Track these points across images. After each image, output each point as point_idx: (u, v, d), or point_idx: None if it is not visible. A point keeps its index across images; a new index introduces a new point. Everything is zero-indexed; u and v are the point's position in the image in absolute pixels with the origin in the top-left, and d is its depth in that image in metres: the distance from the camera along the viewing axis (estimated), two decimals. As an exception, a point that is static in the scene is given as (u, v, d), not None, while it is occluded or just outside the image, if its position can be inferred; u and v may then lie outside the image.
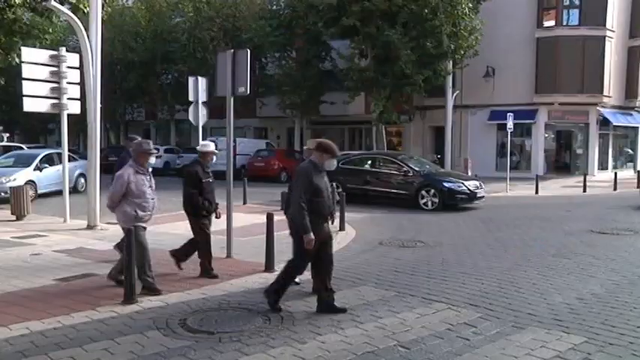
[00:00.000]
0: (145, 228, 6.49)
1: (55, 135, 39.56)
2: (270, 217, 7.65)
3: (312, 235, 5.53)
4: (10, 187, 13.03)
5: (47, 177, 16.49)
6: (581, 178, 21.15)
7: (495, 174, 25.20)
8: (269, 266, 7.58)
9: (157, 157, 31.56)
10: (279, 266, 7.70)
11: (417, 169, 15.99)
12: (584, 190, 19.83)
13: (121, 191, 6.29)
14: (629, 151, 31.87)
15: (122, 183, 6.29)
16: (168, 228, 11.18)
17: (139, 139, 7.49)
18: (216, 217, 7.60)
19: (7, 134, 42.99)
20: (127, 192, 6.29)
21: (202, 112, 14.24)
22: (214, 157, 7.61)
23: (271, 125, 35.39)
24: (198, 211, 7.31)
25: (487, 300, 6.38)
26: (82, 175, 17.75)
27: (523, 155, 28.76)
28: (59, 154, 14.95)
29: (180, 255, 7.54)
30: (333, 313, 5.72)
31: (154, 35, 31.01)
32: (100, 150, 11.96)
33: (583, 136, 28.20)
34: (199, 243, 7.40)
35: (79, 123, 18.69)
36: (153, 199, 6.53)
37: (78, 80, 11.47)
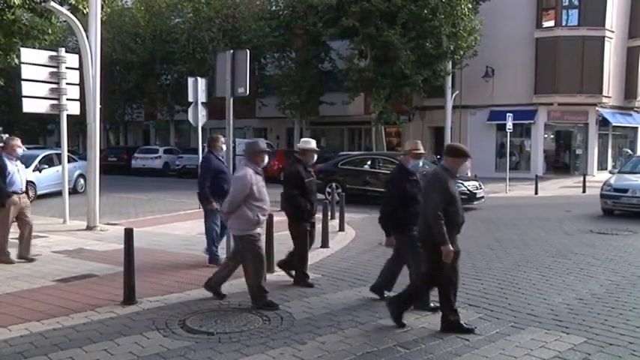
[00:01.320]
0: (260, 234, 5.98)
1: (54, 136, 39.55)
2: (269, 218, 7.64)
3: (451, 247, 5.19)
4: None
5: (46, 178, 16.48)
6: (581, 179, 21.16)
7: (495, 174, 25.21)
8: (269, 267, 7.56)
9: (156, 157, 31.32)
10: (278, 267, 7.72)
11: (416, 169, 15.96)
12: (584, 191, 19.83)
13: (244, 193, 5.73)
14: (629, 151, 31.89)
15: (245, 184, 5.74)
16: (168, 229, 11.18)
17: (255, 140, 7.12)
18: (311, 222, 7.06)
19: (7, 135, 43.07)
20: (249, 194, 5.75)
21: (202, 112, 14.27)
22: (315, 156, 7.13)
23: (271, 126, 35.41)
24: (300, 214, 6.85)
25: (487, 300, 6.38)
26: (81, 175, 17.75)
27: (522, 155, 28.78)
28: (58, 155, 14.95)
29: (287, 266, 7.28)
30: (461, 332, 5.25)
31: (154, 36, 31.03)
32: (99, 151, 11.95)
33: (582, 136, 28.22)
34: (296, 249, 6.99)
35: (78, 124, 18.74)
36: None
37: (77, 81, 11.46)
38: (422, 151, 6.17)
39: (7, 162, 7.91)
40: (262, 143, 6.28)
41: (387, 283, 6.41)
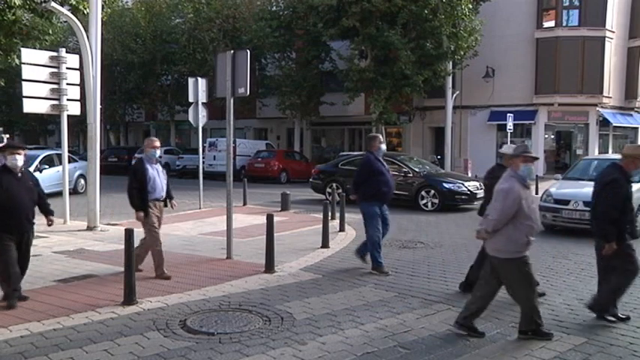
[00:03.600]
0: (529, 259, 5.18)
1: (54, 136, 39.62)
2: (270, 218, 7.65)
3: (614, 245, 5.59)
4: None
5: (47, 178, 16.42)
6: (581, 179, 21.07)
7: (495, 175, 25.15)
8: (269, 267, 7.58)
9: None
10: (278, 267, 7.73)
11: (416, 169, 15.99)
12: (584, 191, 19.76)
13: (513, 209, 4.97)
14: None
15: (514, 199, 4.96)
16: (168, 229, 11.16)
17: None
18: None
19: (7, 135, 43.05)
20: (517, 211, 5.00)
21: (202, 113, 14.29)
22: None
23: (271, 126, 35.41)
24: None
25: (487, 301, 6.37)
26: (82, 176, 17.75)
27: (523, 156, 28.72)
28: (59, 155, 14.96)
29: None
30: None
31: (154, 36, 31.03)
32: (99, 151, 11.95)
33: (583, 136, 28.20)
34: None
35: (78, 124, 18.79)
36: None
37: (78, 81, 11.47)
38: None
39: (148, 166, 7.24)
40: (528, 146, 5.56)
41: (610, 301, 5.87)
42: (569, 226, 11.01)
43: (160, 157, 8.12)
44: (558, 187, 11.81)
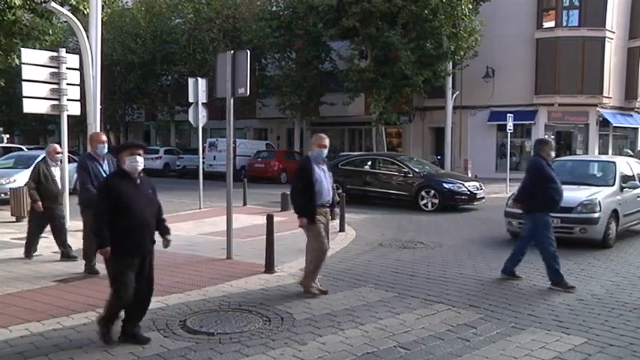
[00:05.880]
0: None
1: (55, 136, 39.56)
2: (270, 219, 7.65)
3: None
4: (10, 189, 13.01)
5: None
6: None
7: (495, 175, 25.21)
8: (269, 267, 7.58)
9: (156, 157, 31.51)
10: (278, 267, 7.73)
11: (416, 170, 15.99)
12: (584, 191, 19.75)
13: None
14: (629, 151, 31.87)
15: None
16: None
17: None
18: None
19: (7, 135, 43.06)
20: None
21: (202, 113, 14.29)
22: None
23: (271, 126, 35.43)
24: None
25: (487, 301, 6.38)
26: (82, 176, 17.72)
27: (523, 156, 28.75)
28: (59, 156, 14.93)
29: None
30: None
31: (154, 36, 31.05)
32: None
33: (583, 136, 28.22)
34: None
35: (78, 124, 18.78)
36: None
37: (78, 81, 11.46)
38: None
39: (315, 166, 6.42)
40: None
41: None
42: None
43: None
44: None
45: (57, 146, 8.56)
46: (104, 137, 7.45)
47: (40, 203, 7.99)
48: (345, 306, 6.10)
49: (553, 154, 7.50)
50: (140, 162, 4.88)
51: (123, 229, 4.67)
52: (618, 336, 5.25)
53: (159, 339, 5.02)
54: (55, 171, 8.27)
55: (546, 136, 7.04)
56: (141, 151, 4.91)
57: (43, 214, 8.07)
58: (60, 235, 8.26)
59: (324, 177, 6.46)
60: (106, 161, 7.30)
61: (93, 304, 5.96)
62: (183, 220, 12.36)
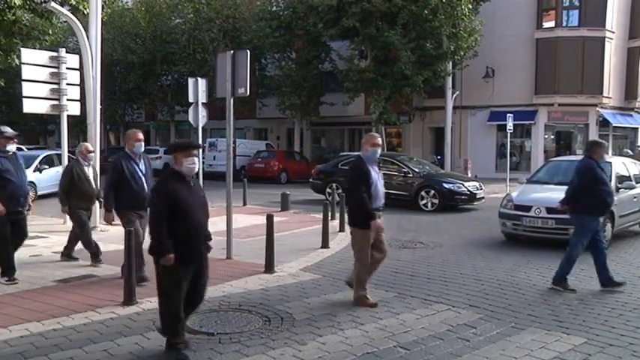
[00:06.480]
0: None
1: (54, 136, 39.54)
2: (270, 219, 7.65)
3: None
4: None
5: (47, 178, 16.46)
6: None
7: (495, 175, 25.20)
8: (269, 267, 7.58)
9: (156, 157, 31.52)
10: (278, 267, 7.73)
11: (416, 170, 15.99)
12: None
13: None
14: (629, 152, 31.87)
15: None
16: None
17: None
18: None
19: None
20: None
21: (202, 113, 14.27)
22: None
23: (271, 126, 35.42)
24: None
25: (487, 301, 6.38)
26: (81, 176, 17.75)
27: (523, 156, 28.79)
28: (59, 156, 14.91)
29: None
30: None
31: (154, 36, 31.03)
32: (100, 151, 11.95)
33: (583, 137, 28.18)
34: None
35: (78, 124, 18.75)
36: None
37: (78, 81, 11.46)
38: None
39: (369, 167, 6.06)
40: None
41: None
42: (531, 236, 9.93)
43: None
44: (520, 192, 10.61)
45: (89, 145, 8.30)
46: (141, 135, 7.08)
47: (67, 207, 7.80)
48: (345, 305, 6.10)
49: (606, 157, 7.38)
50: (197, 163, 4.63)
51: (179, 236, 4.40)
52: (618, 336, 5.25)
53: (159, 339, 5.02)
54: (88, 170, 8.01)
55: (598, 139, 6.86)
56: (196, 152, 4.63)
57: (83, 213, 7.89)
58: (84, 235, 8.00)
59: (378, 178, 6.11)
60: (142, 160, 7.01)
61: (93, 304, 5.96)
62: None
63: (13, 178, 6.73)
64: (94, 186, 8.05)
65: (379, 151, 6.19)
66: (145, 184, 6.85)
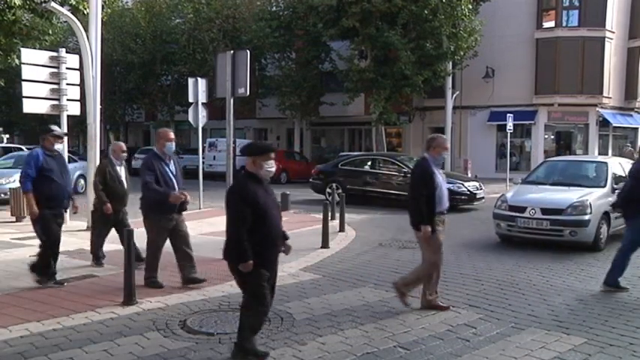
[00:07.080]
0: None
1: (54, 136, 39.50)
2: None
3: None
4: (10, 189, 13.02)
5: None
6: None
7: (495, 175, 25.20)
8: (269, 267, 7.56)
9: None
10: (278, 267, 7.71)
11: (416, 170, 15.96)
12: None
13: None
14: (629, 146, 31.84)
15: None
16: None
17: None
18: None
19: (7, 135, 43.06)
20: None
21: (202, 113, 14.29)
22: None
23: (271, 126, 35.41)
24: None
25: (487, 301, 6.38)
26: (82, 176, 17.75)
27: (523, 156, 28.78)
28: (59, 156, 14.93)
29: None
30: None
31: (154, 36, 31.02)
32: (99, 151, 11.95)
33: (583, 137, 28.20)
34: None
35: (78, 124, 18.74)
36: None
37: (78, 81, 11.46)
38: None
39: (435, 170, 5.90)
40: None
41: None
42: (525, 237, 9.74)
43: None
44: (514, 193, 10.36)
45: (122, 144, 8.01)
46: (172, 134, 6.81)
47: (109, 205, 7.51)
48: (345, 306, 6.10)
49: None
50: (274, 167, 4.62)
51: (260, 240, 4.34)
52: (618, 336, 5.25)
53: (159, 339, 5.03)
54: (121, 170, 7.76)
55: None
56: (273, 155, 4.61)
57: (108, 216, 7.58)
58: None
59: (442, 181, 5.95)
60: (172, 161, 6.79)
61: (93, 304, 5.96)
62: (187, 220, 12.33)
63: (56, 178, 6.58)
64: (125, 186, 7.80)
65: (445, 154, 6.19)
66: (176, 186, 6.64)
